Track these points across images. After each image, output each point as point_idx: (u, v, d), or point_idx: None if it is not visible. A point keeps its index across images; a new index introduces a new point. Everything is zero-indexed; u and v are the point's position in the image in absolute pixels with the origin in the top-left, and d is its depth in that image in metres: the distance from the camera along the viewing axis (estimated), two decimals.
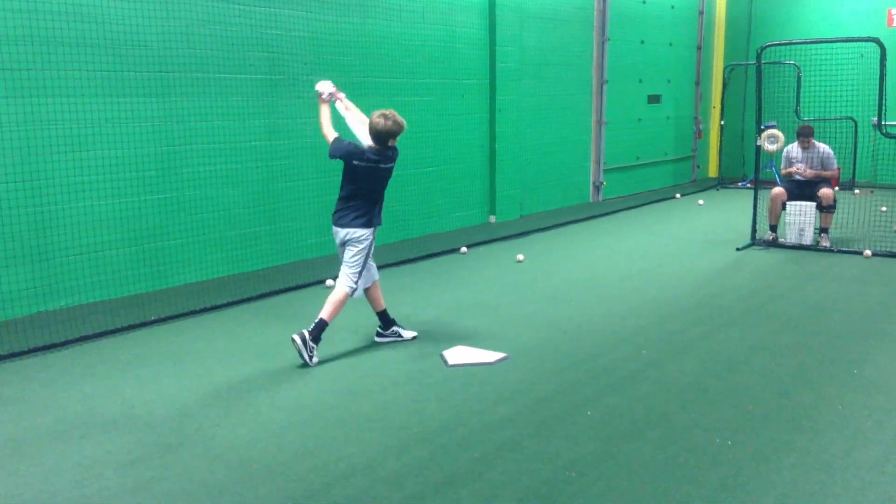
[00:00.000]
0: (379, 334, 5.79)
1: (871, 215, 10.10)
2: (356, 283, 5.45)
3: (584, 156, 12.73)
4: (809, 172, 8.96)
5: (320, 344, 5.36)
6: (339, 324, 6.01)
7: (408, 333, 5.80)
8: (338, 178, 5.54)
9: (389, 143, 5.37)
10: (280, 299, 7.03)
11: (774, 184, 9.61)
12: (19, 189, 6.26)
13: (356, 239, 5.40)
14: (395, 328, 5.78)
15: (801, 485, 3.61)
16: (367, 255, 5.47)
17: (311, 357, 5.26)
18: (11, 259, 6.27)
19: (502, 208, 10.96)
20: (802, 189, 9.05)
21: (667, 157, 14.86)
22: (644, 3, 13.60)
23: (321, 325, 5.34)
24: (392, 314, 5.85)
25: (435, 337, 5.86)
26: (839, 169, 9.03)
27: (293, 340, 5.26)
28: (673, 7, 14.42)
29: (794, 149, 9.24)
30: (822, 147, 9.12)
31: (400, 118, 5.35)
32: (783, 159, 9.41)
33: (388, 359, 5.41)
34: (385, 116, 5.29)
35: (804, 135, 9.08)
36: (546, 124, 11.75)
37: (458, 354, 5.43)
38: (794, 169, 9.14)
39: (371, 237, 5.45)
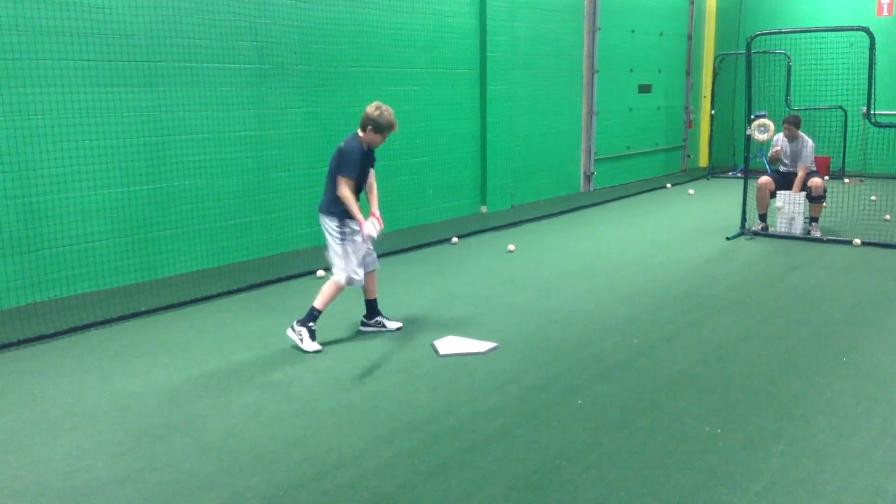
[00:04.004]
0: (363, 323, 5.81)
1: (860, 204, 10.14)
2: (347, 270, 5.40)
3: (574, 146, 12.73)
4: (801, 174, 8.92)
5: (315, 329, 5.41)
6: (329, 313, 6.02)
7: (392, 324, 5.78)
8: (326, 168, 5.53)
9: (368, 131, 5.29)
10: (271, 290, 7.02)
11: (764, 173, 9.63)
12: (7, 180, 6.21)
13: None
14: (378, 318, 5.78)
15: (789, 472, 3.63)
16: (343, 244, 5.39)
17: (300, 339, 5.35)
18: (0, 250, 6.23)
19: (493, 198, 10.96)
20: (789, 179, 9.07)
21: (657, 147, 14.88)
22: None
23: (311, 313, 5.41)
24: (382, 304, 5.85)
25: (426, 327, 5.86)
26: (806, 167, 8.94)
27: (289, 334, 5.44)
28: None
29: (781, 138, 9.25)
30: (807, 141, 9.02)
31: (391, 117, 5.29)
32: (772, 145, 9.45)
33: (379, 349, 5.41)
34: (379, 107, 5.28)
35: (789, 122, 9.06)
36: (537, 114, 11.74)
37: (448, 344, 5.44)
38: (776, 150, 9.23)
39: (339, 227, 5.39)
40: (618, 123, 13.55)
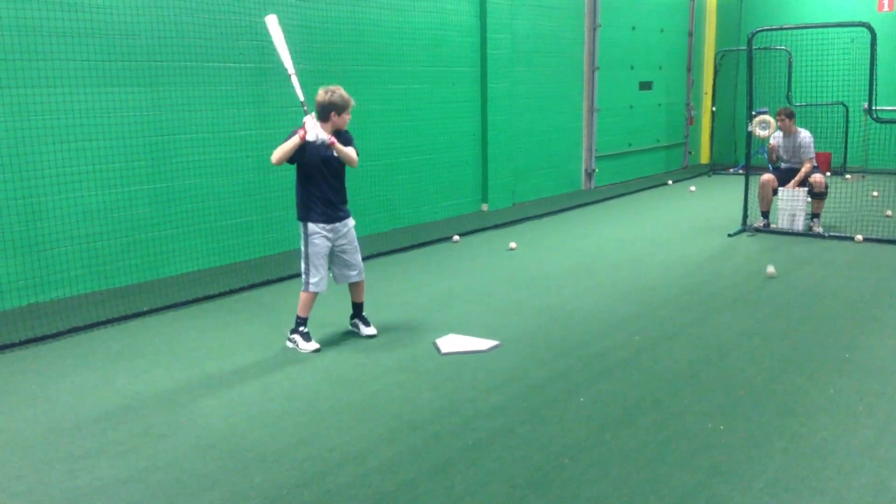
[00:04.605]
0: (350, 318, 5.81)
1: (862, 200, 10.13)
2: (304, 280, 5.41)
3: (576, 143, 12.72)
4: (807, 167, 8.91)
5: (307, 331, 5.42)
6: (330, 314, 6.02)
7: (366, 330, 5.65)
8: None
9: (332, 118, 5.25)
10: (272, 289, 7.02)
11: (766, 170, 9.62)
12: (9, 180, 6.22)
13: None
14: (356, 321, 5.72)
15: (792, 469, 3.63)
16: (305, 248, 5.37)
17: (296, 345, 5.36)
18: (2, 251, 6.23)
19: (494, 196, 10.95)
20: (790, 176, 9.06)
21: (658, 144, 14.87)
22: None
23: (296, 321, 5.45)
24: (385, 302, 5.83)
25: (427, 325, 5.86)
26: (811, 160, 8.93)
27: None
28: None
29: (778, 135, 9.26)
30: (803, 134, 9.01)
31: (345, 94, 5.23)
32: (769, 143, 9.46)
33: (381, 347, 5.41)
34: (328, 90, 5.21)
35: (782, 114, 9.03)
36: (538, 112, 11.73)
37: (450, 342, 5.43)
38: (773, 143, 9.25)
39: (302, 231, 5.38)
40: (619, 120, 13.53)
